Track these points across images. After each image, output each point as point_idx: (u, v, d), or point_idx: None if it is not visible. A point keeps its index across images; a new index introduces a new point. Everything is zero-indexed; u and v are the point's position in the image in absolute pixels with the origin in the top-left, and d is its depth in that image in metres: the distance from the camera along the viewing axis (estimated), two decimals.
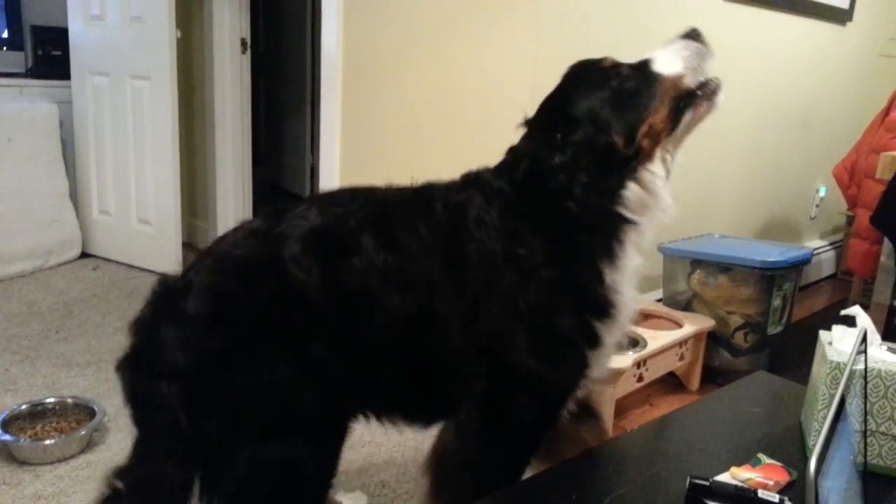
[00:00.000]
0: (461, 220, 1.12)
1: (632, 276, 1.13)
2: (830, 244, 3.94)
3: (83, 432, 1.90)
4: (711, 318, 2.45)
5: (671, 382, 2.46)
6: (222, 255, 1.17)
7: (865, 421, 0.88)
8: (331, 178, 3.01)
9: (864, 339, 0.82)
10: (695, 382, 2.45)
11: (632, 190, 1.08)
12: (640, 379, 2.17)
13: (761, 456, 1.03)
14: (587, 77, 1.13)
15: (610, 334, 1.13)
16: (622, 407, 2.26)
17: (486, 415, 1.13)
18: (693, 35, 1.12)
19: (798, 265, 2.49)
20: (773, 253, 2.45)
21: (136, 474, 1.18)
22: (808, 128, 3.54)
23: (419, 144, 2.62)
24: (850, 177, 3.12)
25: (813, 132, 3.58)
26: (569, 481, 0.99)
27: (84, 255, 3.52)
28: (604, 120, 1.08)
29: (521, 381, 1.11)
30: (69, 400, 2.04)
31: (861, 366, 1.04)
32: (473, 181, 1.18)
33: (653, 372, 2.23)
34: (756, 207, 3.37)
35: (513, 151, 1.18)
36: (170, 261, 3.31)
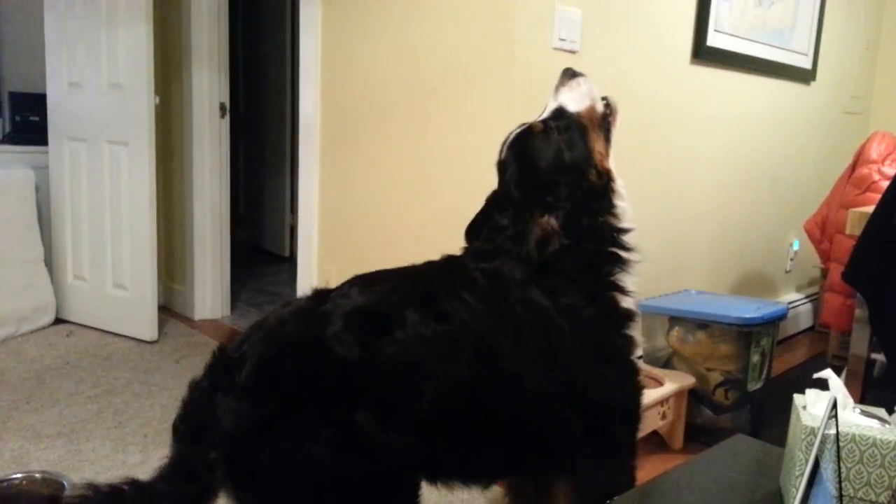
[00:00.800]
0: (504, 285, 1.25)
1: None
2: (807, 297, 3.98)
3: None
4: (692, 374, 2.45)
5: (655, 442, 2.44)
6: (271, 330, 1.24)
7: (840, 487, 0.87)
8: (309, 238, 3.02)
9: (835, 405, 0.82)
10: (678, 441, 2.43)
11: (620, 206, 1.32)
12: None
13: None
14: (533, 145, 1.32)
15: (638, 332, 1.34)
16: None
17: (592, 450, 1.29)
18: (571, 73, 1.35)
19: (774, 321, 2.51)
20: (750, 309, 2.46)
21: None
22: (779, 184, 3.62)
23: (395, 207, 2.64)
24: (821, 231, 3.18)
25: (783, 188, 3.66)
26: None
27: (58, 320, 3.47)
28: (571, 167, 1.29)
29: (610, 409, 1.30)
30: (37, 475, 1.97)
31: (841, 430, 1.03)
32: (495, 251, 1.30)
33: None
34: (731, 262, 3.41)
35: (514, 223, 1.31)
36: (145, 326, 3.27)
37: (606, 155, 1.32)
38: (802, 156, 3.77)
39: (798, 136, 3.71)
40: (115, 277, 3.34)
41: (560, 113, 1.33)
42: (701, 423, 2.47)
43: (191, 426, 1.22)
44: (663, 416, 2.34)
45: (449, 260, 1.34)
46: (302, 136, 3.01)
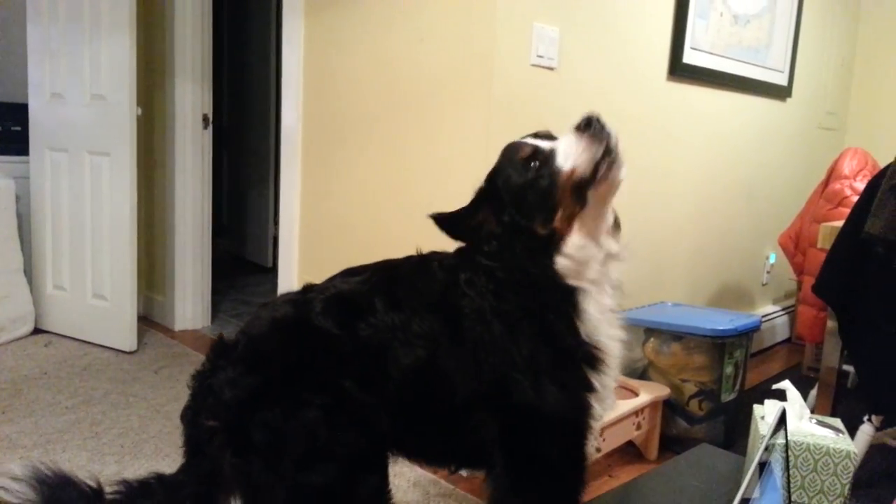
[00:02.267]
0: (455, 280, 1.27)
1: (607, 321, 1.26)
2: (783, 309, 4.04)
3: None
4: (667, 385, 2.48)
5: (630, 452, 2.47)
6: (261, 315, 1.36)
7: (789, 492, 0.90)
8: (290, 248, 3.04)
9: (783, 415, 0.85)
10: (653, 451, 2.46)
11: (561, 263, 1.21)
12: (598, 450, 2.17)
13: None
14: (512, 164, 1.27)
15: (599, 377, 1.24)
16: None
17: (510, 462, 1.26)
18: (587, 124, 1.20)
19: (748, 332, 2.55)
20: (723, 321, 2.51)
21: (167, 492, 1.31)
22: (755, 198, 3.68)
23: (375, 218, 2.66)
24: (795, 245, 3.23)
25: (759, 202, 3.72)
26: None
27: (37, 330, 3.45)
28: (524, 208, 1.23)
29: (531, 420, 1.23)
30: None
31: (794, 439, 1.07)
32: (464, 249, 1.32)
33: (610, 442, 2.24)
34: (708, 275, 3.46)
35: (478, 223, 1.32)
36: (125, 336, 3.26)
37: (572, 214, 1.21)
38: (779, 171, 3.84)
39: (774, 152, 3.78)
40: (94, 287, 3.34)
41: (550, 157, 1.23)
42: (675, 433, 2.50)
43: (195, 408, 1.32)
44: (638, 427, 2.37)
45: (426, 254, 1.38)
46: (284, 147, 3.03)
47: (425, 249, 1.44)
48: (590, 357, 1.24)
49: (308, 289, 1.37)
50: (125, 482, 1.29)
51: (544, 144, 1.25)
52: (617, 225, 1.31)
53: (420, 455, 1.43)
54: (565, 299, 1.22)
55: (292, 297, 1.37)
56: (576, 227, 1.22)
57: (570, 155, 1.20)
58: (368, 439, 1.28)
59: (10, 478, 1.25)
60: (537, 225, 1.22)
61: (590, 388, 1.23)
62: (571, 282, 1.21)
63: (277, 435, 1.22)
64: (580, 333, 1.22)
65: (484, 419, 1.25)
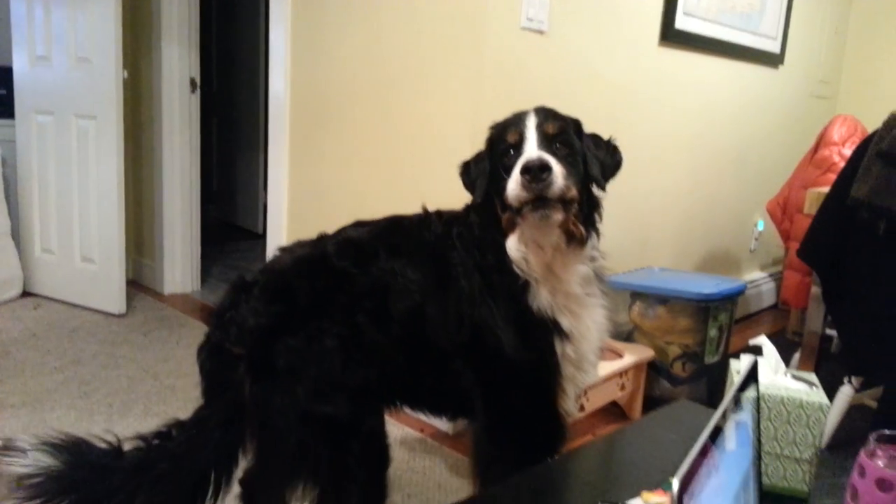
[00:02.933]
0: (448, 232, 1.37)
1: (570, 304, 1.32)
2: (770, 276, 4.07)
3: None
4: (651, 348, 2.51)
5: (613, 412, 2.50)
6: (282, 255, 1.47)
7: (759, 445, 0.92)
8: (279, 215, 3.03)
9: (755, 367, 0.87)
10: (636, 412, 2.50)
11: (509, 251, 1.29)
12: (582, 409, 2.20)
13: (673, 480, 1.06)
14: (498, 142, 1.32)
15: (563, 343, 1.30)
16: None
17: (488, 412, 1.35)
18: (526, 170, 1.19)
19: (732, 297, 2.57)
20: (708, 285, 2.53)
21: (190, 431, 1.34)
22: (745, 165, 3.69)
23: (363, 183, 2.66)
24: (782, 211, 3.25)
25: (749, 169, 3.73)
26: None
27: (26, 293, 3.45)
28: (492, 183, 1.30)
29: (503, 371, 1.31)
30: None
31: (768, 392, 1.09)
32: (467, 206, 1.40)
33: (594, 402, 2.27)
34: (697, 241, 3.48)
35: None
36: (114, 299, 3.27)
37: (508, 221, 1.28)
38: (769, 138, 3.84)
39: (765, 119, 3.77)
40: (83, 251, 3.33)
41: (516, 159, 1.24)
42: (659, 394, 2.54)
43: (213, 343, 1.38)
44: (622, 388, 2.40)
45: (432, 211, 1.46)
46: (272, 114, 3.01)
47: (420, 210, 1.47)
48: (549, 326, 1.30)
49: (322, 236, 1.47)
50: (142, 436, 1.32)
51: (527, 149, 1.25)
52: (580, 239, 1.30)
53: (419, 403, 1.51)
54: (514, 282, 1.29)
55: (309, 241, 1.47)
56: (516, 233, 1.29)
57: (510, 181, 1.23)
58: (376, 377, 1.35)
59: (13, 449, 1.22)
60: (497, 206, 1.30)
61: (551, 349, 1.30)
62: (517, 270, 1.29)
63: (298, 360, 1.29)
64: (533, 310, 1.29)
65: (463, 367, 1.33)
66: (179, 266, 3.69)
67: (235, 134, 5.43)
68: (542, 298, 1.30)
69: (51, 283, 3.44)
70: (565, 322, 1.31)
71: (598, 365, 1.49)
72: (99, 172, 3.22)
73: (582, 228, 1.30)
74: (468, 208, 1.40)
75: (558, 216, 1.23)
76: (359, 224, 1.48)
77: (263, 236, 3.22)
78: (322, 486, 1.34)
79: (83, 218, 3.31)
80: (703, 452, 0.69)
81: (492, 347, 1.29)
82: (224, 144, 5.62)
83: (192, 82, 3.58)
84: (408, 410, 1.56)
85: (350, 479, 1.33)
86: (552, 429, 1.37)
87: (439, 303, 1.32)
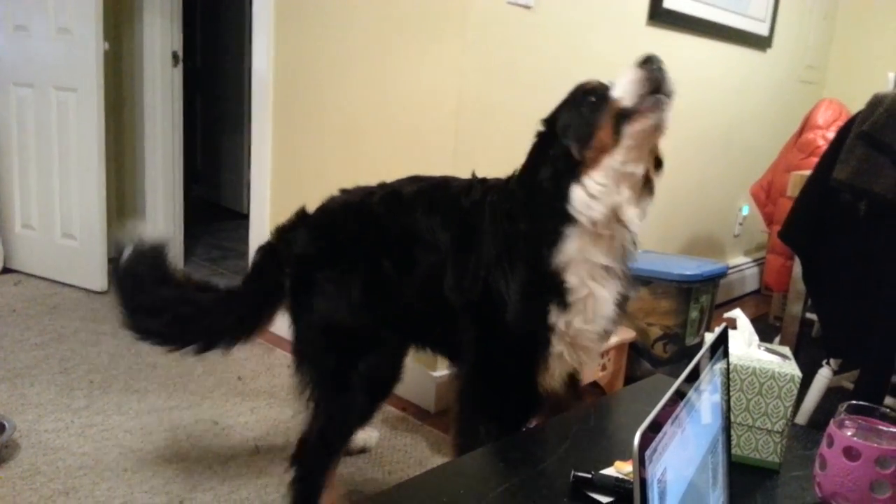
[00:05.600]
0: (483, 199, 1.44)
1: (590, 269, 1.32)
2: (754, 261, 4.09)
3: None
4: (633, 329, 2.52)
5: (595, 393, 2.51)
6: (336, 198, 1.67)
7: (729, 416, 0.92)
8: (262, 194, 3.01)
9: (723, 337, 0.87)
10: None
11: (575, 193, 1.28)
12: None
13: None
14: (573, 98, 1.34)
15: (561, 313, 1.32)
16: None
17: (476, 367, 1.45)
18: (645, 62, 1.25)
19: (714, 278, 2.58)
20: (690, 267, 2.54)
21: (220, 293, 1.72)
22: (731, 149, 3.69)
23: (348, 160, 2.64)
24: (766, 195, 3.26)
25: (735, 153, 3.73)
26: (457, 477, 1.00)
27: (6, 270, 3.41)
28: (568, 133, 1.31)
29: (500, 334, 1.38)
30: None
31: (741, 363, 1.09)
32: (510, 177, 1.44)
33: None
34: (681, 225, 3.49)
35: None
36: (95, 276, 3.24)
37: (607, 145, 1.26)
38: (755, 122, 3.84)
39: (752, 103, 3.77)
40: (63, 227, 3.29)
41: (606, 89, 1.29)
42: (640, 375, 2.55)
43: (270, 247, 1.67)
44: (603, 368, 2.41)
45: (480, 178, 1.53)
46: (255, 92, 2.98)
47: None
48: (554, 289, 1.31)
49: (381, 184, 1.64)
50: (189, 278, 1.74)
51: (606, 81, 1.30)
52: (649, 190, 1.38)
53: (426, 343, 1.66)
54: (556, 225, 1.30)
55: (365, 188, 1.65)
56: (603, 163, 1.27)
57: (620, 86, 1.25)
58: (393, 314, 1.52)
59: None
60: (573, 148, 1.29)
61: (545, 323, 1.32)
62: (571, 210, 1.28)
63: (329, 286, 1.54)
64: (550, 263, 1.30)
65: (467, 323, 1.43)
66: None
67: (220, 112, 5.38)
68: (568, 252, 1.30)
69: (31, 260, 3.41)
70: (574, 282, 1.31)
71: (597, 353, 1.54)
72: (80, 147, 3.18)
73: (654, 178, 1.36)
74: (508, 179, 1.43)
75: (666, 119, 1.26)
76: (414, 179, 1.61)
77: (249, 216, 3.19)
78: (321, 392, 1.56)
79: (64, 194, 3.27)
80: (667, 412, 0.69)
81: (496, 311, 1.35)
82: (209, 123, 5.56)
83: (175, 55, 3.53)
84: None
85: (345, 393, 1.54)
86: (525, 401, 1.42)
87: (459, 264, 1.42)
